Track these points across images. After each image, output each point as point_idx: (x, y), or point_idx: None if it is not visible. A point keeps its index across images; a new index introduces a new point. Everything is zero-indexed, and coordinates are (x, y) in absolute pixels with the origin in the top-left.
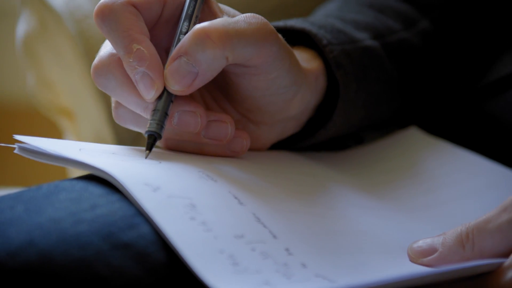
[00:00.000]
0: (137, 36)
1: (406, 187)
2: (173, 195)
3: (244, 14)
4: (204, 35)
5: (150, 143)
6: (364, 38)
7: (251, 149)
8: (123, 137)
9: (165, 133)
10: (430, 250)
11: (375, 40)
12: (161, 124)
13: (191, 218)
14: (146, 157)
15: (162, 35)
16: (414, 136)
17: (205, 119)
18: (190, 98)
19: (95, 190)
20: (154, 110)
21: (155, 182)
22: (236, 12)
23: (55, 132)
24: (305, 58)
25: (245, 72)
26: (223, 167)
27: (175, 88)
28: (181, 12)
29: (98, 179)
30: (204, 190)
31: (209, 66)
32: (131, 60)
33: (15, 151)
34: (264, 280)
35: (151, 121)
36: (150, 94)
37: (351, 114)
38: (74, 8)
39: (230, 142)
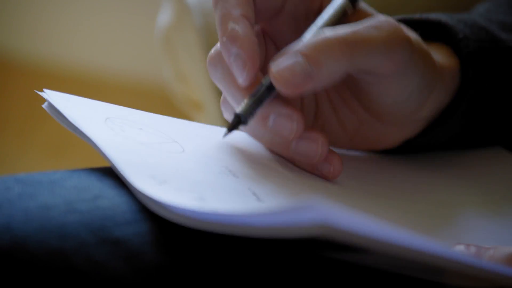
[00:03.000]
0: (237, 16)
1: (464, 194)
2: (181, 189)
3: (377, 19)
4: (332, 43)
5: (232, 123)
6: (511, 39)
7: (378, 149)
8: None
9: (258, 138)
10: (477, 252)
11: None
12: (250, 109)
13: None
14: (223, 137)
15: (284, 30)
16: None
17: (302, 126)
18: (287, 101)
19: (109, 181)
20: (250, 95)
21: (162, 175)
22: (374, 12)
23: None
24: (444, 54)
25: (375, 80)
26: (254, 164)
27: (283, 85)
28: (307, 9)
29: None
30: (219, 185)
31: (327, 74)
32: (224, 40)
33: (43, 106)
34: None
35: (242, 104)
36: (242, 76)
37: (483, 115)
38: (204, 1)
39: (319, 165)
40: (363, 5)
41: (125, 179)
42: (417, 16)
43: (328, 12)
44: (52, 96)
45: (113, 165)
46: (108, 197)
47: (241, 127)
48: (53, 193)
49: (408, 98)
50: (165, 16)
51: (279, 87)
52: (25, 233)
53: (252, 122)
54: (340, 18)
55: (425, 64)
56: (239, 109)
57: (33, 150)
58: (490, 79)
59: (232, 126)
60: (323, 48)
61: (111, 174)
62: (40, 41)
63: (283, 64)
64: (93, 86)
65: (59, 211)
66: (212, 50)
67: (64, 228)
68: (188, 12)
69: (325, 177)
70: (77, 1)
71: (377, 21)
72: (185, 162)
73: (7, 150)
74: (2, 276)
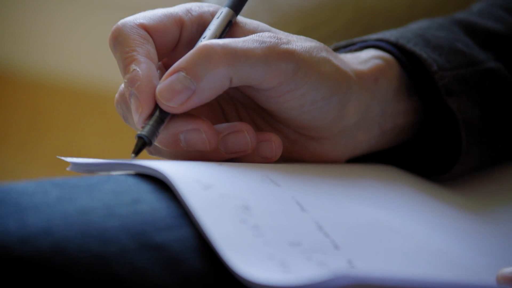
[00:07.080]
0: (138, 57)
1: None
2: (225, 195)
3: (261, 33)
4: (209, 51)
5: (137, 146)
6: (487, 59)
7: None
8: None
9: (184, 159)
10: None
11: (497, 61)
12: (153, 129)
13: (241, 221)
14: (131, 159)
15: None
16: None
17: (213, 135)
18: (191, 116)
19: (146, 186)
20: (151, 116)
21: (207, 180)
22: (265, 28)
23: None
24: (362, 59)
25: (268, 95)
26: (294, 173)
27: (168, 104)
28: (201, 35)
29: (157, 179)
30: (263, 193)
31: (209, 84)
32: (125, 81)
33: (68, 168)
34: None
35: (144, 125)
36: (136, 117)
37: (488, 141)
38: None
39: (258, 148)
40: (250, 24)
41: (171, 184)
42: (393, 38)
43: (214, 24)
44: (74, 161)
45: (160, 173)
46: (147, 201)
47: (156, 155)
48: (91, 197)
49: (313, 108)
50: None
51: (164, 106)
52: (66, 237)
53: (168, 150)
54: (225, 28)
55: (320, 73)
56: (141, 131)
57: (34, 162)
58: (472, 105)
59: (138, 149)
60: (201, 58)
61: (147, 179)
62: (39, 53)
63: (164, 83)
64: (90, 97)
65: (98, 215)
66: (117, 94)
67: (104, 232)
68: None
69: (268, 160)
70: (68, 13)
71: (259, 35)
72: (226, 170)
73: (8, 162)
74: (43, 280)
